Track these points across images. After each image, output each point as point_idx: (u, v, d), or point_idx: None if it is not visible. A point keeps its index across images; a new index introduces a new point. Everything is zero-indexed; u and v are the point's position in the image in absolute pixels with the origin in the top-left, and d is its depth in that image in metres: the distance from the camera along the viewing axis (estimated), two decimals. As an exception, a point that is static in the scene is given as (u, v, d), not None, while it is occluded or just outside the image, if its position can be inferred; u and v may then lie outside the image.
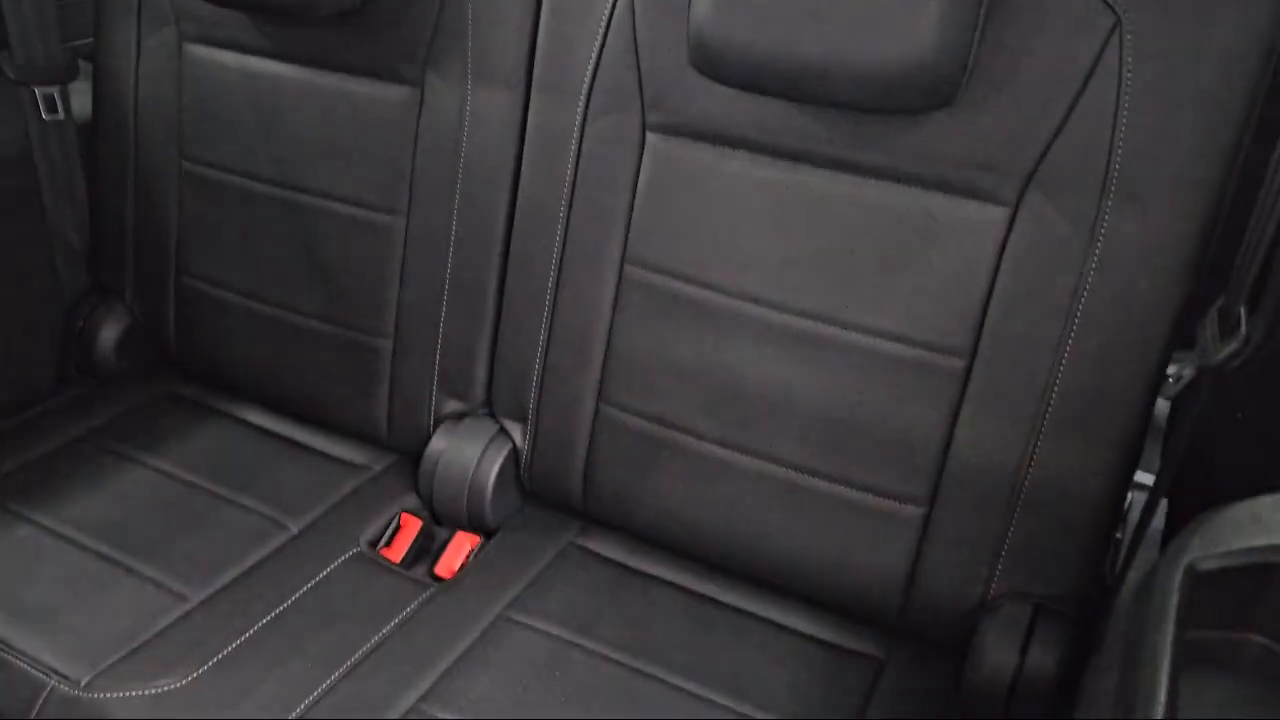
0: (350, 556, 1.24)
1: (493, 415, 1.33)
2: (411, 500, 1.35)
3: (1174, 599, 0.74)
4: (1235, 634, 0.76)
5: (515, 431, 1.31)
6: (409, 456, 1.39)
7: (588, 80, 1.16)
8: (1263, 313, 1.15)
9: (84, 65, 1.52)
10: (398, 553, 1.27)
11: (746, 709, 1.06)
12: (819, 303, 1.10)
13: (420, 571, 1.26)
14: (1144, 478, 1.25)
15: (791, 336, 1.11)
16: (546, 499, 1.32)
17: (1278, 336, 1.14)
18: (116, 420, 1.46)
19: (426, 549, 1.29)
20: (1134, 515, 1.13)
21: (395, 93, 1.29)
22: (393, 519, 1.30)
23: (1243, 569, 0.75)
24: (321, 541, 1.26)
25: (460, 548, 1.27)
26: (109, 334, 1.54)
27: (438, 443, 1.33)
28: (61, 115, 1.49)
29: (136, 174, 1.50)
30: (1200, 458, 1.34)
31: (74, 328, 1.55)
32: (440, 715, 1.02)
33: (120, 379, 1.55)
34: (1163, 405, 1.30)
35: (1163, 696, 0.66)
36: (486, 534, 1.30)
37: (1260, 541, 0.76)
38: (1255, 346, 1.19)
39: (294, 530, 1.27)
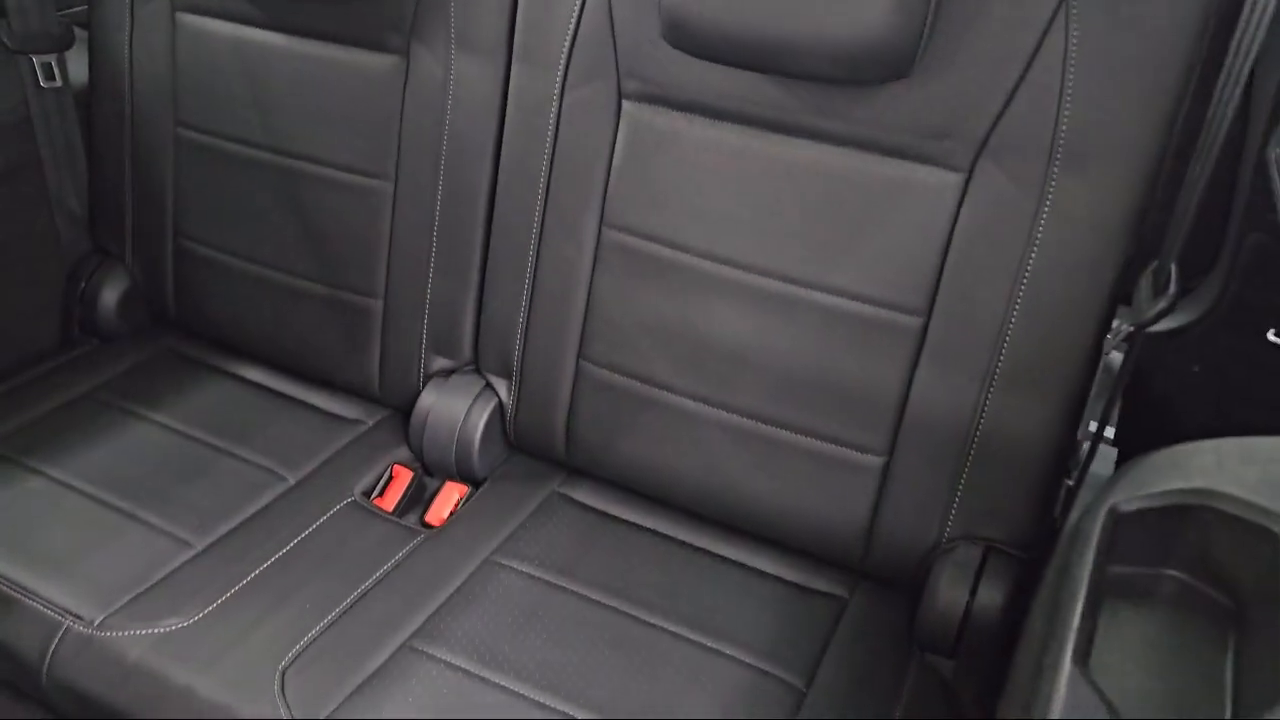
0: (345, 505, 1.30)
1: (479, 372, 1.39)
2: (403, 452, 1.41)
3: (1095, 538, 0.80)
4: (1153, 569, 0.83)
5: (500, 387, 1.37)
6: (400, 411, 1.46)
7: (565, 51, 1.21)
8: (1215, 276, 1.22)
9: (80, 33, 1.56)
10: (390, 502, 1.33)
11: (718, 644, 1.13)
12: (785, 264, 1.15)
13: (412, 519, 1.33)
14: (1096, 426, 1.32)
15: (760, 296, 1.17)
16: (531, 451, 1.39)
17: (1226, 300, 1.21)
18: (119, 378, 1.52)
19: (417, 498, 1.36)
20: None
21: (382, 62, 1.33)
22: (385, 470, 1.37)
23: (1160, 510, 0.82)
24: (318, 492, 1.32)
25: (449, 497, 1.34)
26: (110, 295, 1.59)
27: (427, 398, 1.39)
28: (59, 83, 1.53)
29: (133, 140, 1.54)
30: (1157, 409, 1.41)
31: (76, 289, 1.61)
32: (430, 651, 1.10)
33: (122, 338, 1.61)
34: (1117, 358, 1.37)
35: (1075, 622, 0.73)
36: (474, 484, 1.37)
37: (1177, 485, 0.83)
38: (1208, 304, 1.26)
39: (291, 481, 1.34)
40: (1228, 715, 0.72)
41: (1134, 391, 1.34)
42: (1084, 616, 0.74)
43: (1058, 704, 0.68)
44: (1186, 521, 0.82)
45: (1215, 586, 0.81)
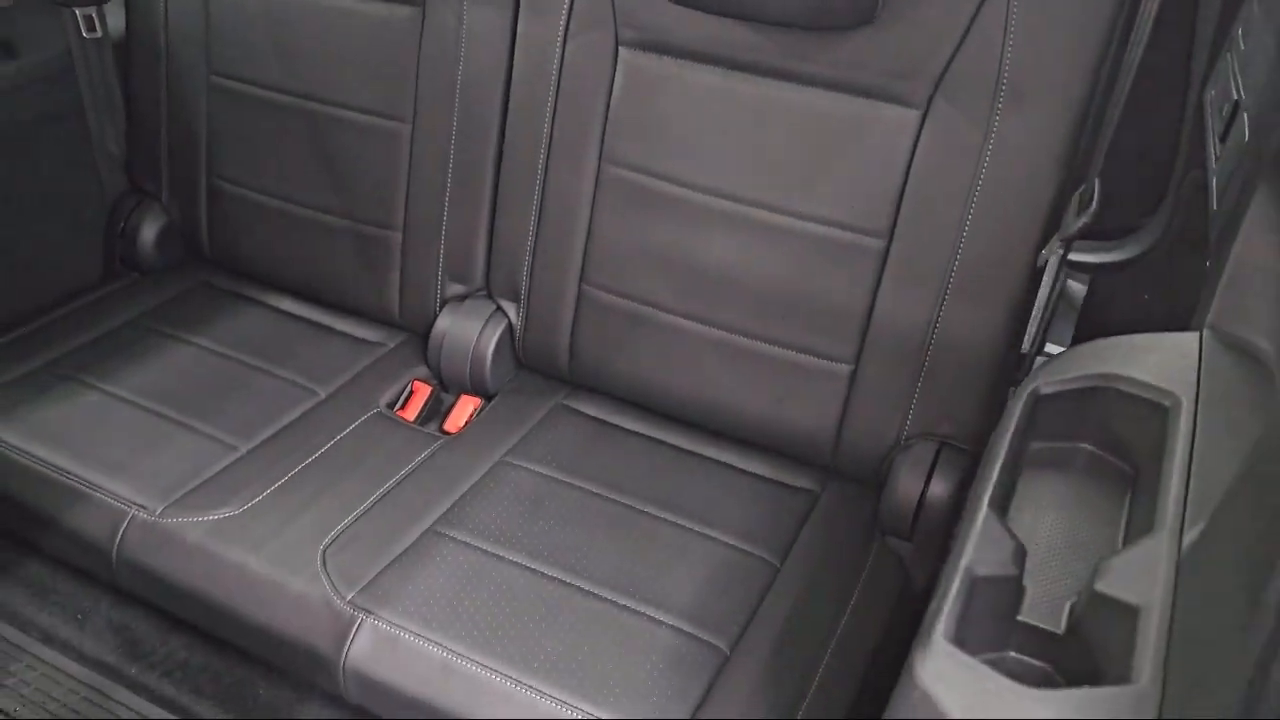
0: (371, 415, 1.45)
1: (490, 296, 1.54)
2: (422, 370, 1.56)
3: (1017, 415, 0.95)
4: (1068, 443, 0.97)
5: (510, 310, 1.51)
6: (418, 334, 1.60)
7: (567, 1, 1.34)
8: (1161, 213, 1.35)
9: (117, -12, 1.69)
10: (411, 413, 1.48)
11: (704, 528, 1.28)
12: (765, 193, 1.29)
13: (431, 428, 1.48)
14: (1054, 349, 1.46)
15: (743, 224, 1.31)
16: (538, 367, 1.54)
17: (1170, 234, 1.34)
18: (160, 307, 1.66)
19: (436, 410, 1.51)
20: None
21: (400, 12, 1.46)
22: (406, 385, 1.52)
23: (1075, 391, 0.96)
24: (346, 404, 1.47)
25: (465, 408, 1.49)
26: (148, 232, 1.73)
27: (443, 321, 1.54)
28: (99, 34, 1.66)
29: (169, 88, 1.67)
30: (1109, 332, 1.56)
31: (117, 227, 1.74)
32: (452, 534, 1.25)
33: (160, 272, 1.75)
34: (1078, 288, 1.51)
35: (994, 478, 0.87)
36: (487, 397, 1.51)
37: (1091, 371, 0.97)
38: (1155, 237, 1.39)
39: (322, 395, 1.48)
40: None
41: (1089, 316, 1.48)
42: (1001, 473, 0.88)
43: (973, 538, 0.83)
44: (1095, 401, 0.96)
45: (1117, 455, 0.96)
